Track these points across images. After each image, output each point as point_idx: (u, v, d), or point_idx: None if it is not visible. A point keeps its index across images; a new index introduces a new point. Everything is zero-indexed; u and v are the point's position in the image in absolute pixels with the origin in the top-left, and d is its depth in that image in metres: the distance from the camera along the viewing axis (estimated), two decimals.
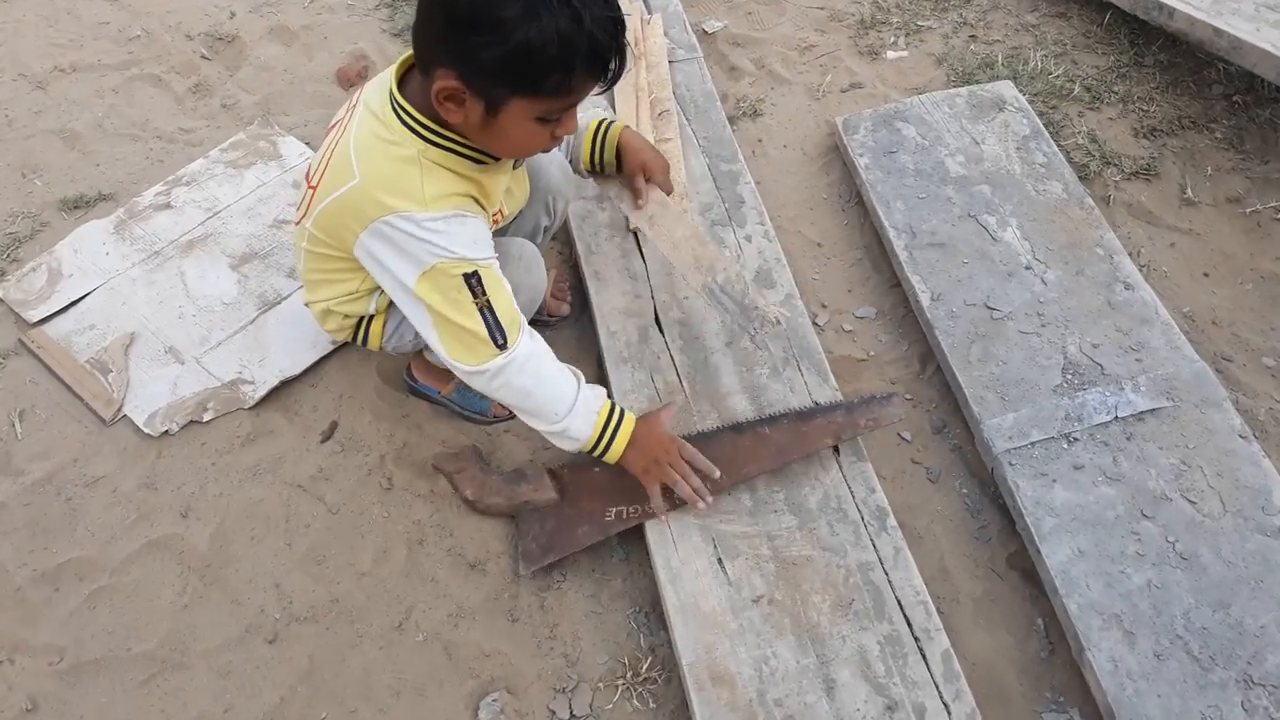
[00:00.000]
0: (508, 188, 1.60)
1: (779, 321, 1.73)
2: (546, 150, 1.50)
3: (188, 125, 2.46)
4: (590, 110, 1.81)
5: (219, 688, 1.60)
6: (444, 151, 1.42)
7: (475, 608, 1.67)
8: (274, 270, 2.13)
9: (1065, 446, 1.69)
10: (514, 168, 1.62)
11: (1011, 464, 1.68)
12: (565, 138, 1.74)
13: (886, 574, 1.58)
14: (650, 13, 2.57)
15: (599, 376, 1.94)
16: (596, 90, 1.38)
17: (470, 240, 1.43)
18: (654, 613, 1.64)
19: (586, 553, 1.71)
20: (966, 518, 1.73)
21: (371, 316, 1.70)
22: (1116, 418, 1.71)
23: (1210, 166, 2.20)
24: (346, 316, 1.70)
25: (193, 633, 1.66)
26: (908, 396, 1.89)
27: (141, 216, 2.26)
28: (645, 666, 1.58)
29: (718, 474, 1.62)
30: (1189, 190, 2.15)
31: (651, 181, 1.80)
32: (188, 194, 2.30)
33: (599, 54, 1.29)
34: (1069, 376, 1.78)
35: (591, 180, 1.89)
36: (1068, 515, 1.61)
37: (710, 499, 1.62)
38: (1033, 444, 1.70)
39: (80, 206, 2.29)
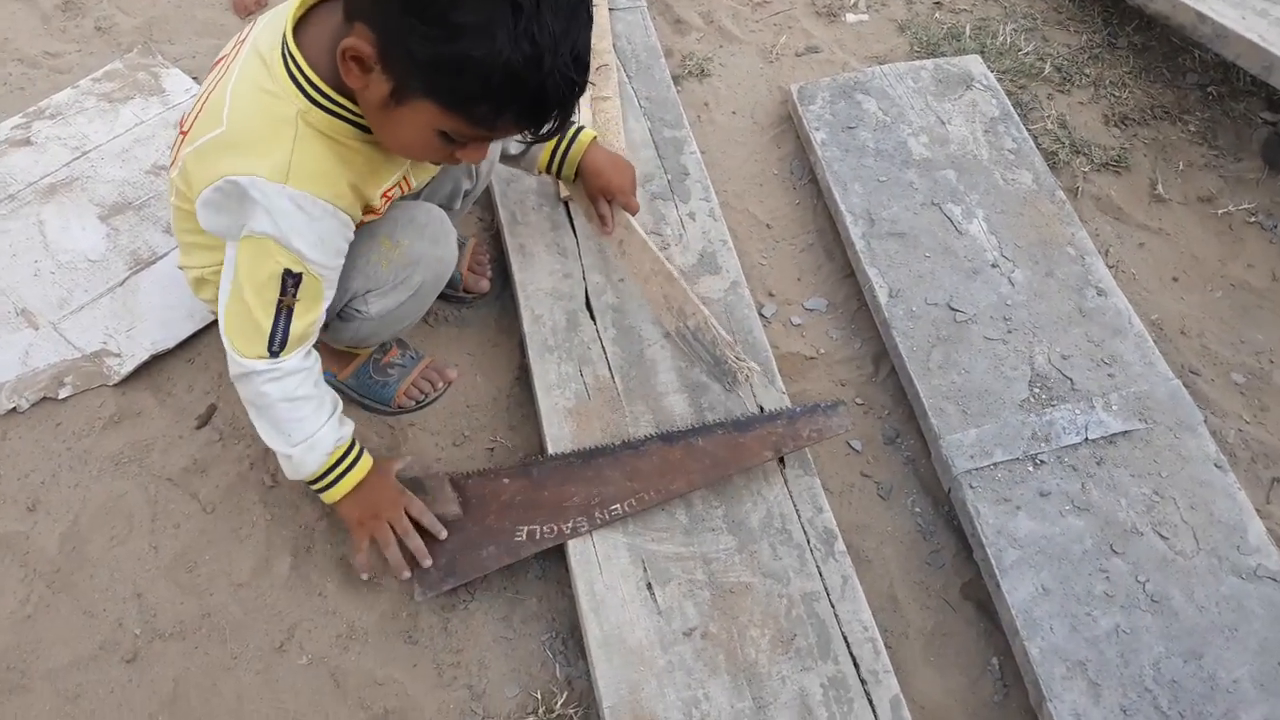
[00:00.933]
0: (413, 164, 1.37)
1: (755, 378, 1.59)
2: (430, 161, 1.27)
3: (54, 49, 2.14)
4: None
5: (65, 714, 1.37)
6: (331, 118, 1.19)
7: (368, 628, 1.46)
8: (149, 224, 1.86)
9: (1031, 469, 1.55)
10: None
11: (972, 486, 1.53)
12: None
13: (833, 606, 1.42)
14: None
15: (520, 365, 1.73)
16: (519, 139, 1.23)
17: (316, 239, 1.23)
18: (572, 639, 1.46)
19: (498, 569, 1.52)
20: (919, 540, 1.58)
21: None
22: (1087, 439, 1.57)
23: (1182, 161, 2.07)
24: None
25: (35, 649, 1.42)
26: (859, 401, 1.72)
27: None
28: (560, 702, 1.40)
29: (444, 534, 1.47)
30: (1159, 186, 2.02)
31: (614, 203, 1.66)
32: (51, 129, 2.00)
33: (541, 108, 1.11)
34: (1036, 390, 1.63)
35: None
36: (1032, 547, 1.47)
37: (427, 562, 1.46)
38: (995, 465, 1.55)
39: None
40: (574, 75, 1.08)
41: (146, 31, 2.19)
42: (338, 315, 1.44)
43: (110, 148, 1.97)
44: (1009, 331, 1.70)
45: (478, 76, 1.04)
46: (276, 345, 1.27)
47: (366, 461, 1.42)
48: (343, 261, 1.31)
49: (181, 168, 1.31)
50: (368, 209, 1.32)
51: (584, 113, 1.95)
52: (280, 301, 1.24)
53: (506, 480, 1.52)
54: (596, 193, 1.67)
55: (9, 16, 2.19)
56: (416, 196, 1.54)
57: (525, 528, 1.48)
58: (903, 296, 1.74)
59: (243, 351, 1.28)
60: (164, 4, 2.25)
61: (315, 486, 1.40)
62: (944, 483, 1.59)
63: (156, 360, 1.70)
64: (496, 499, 1.51)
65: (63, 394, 1.64)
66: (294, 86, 1.17)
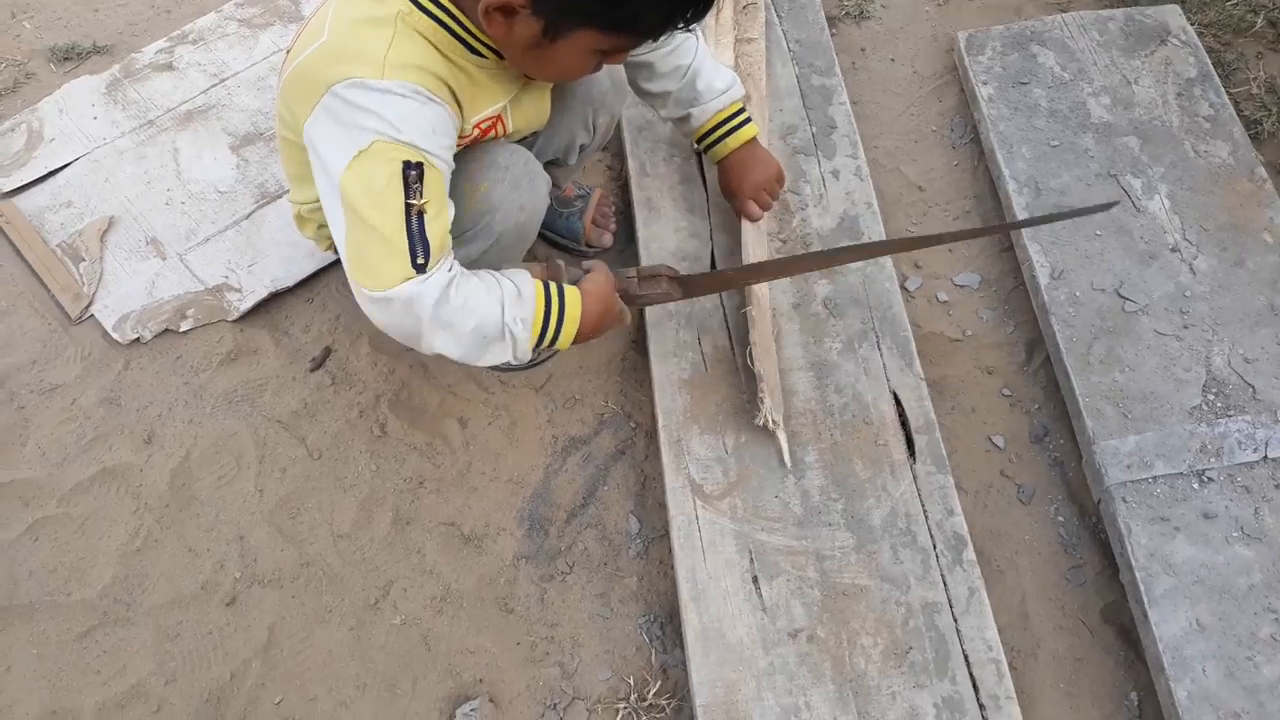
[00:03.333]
0: (515, 96, 1.29)
1: (769, 425, 1.42)
2: (584, 76, 1.24)
3: None
4: (726, 87, 1.55)
5: (164, 652, 1.39)
6: (434, 24, 1.14)
7: (465, 592, 1.43)
8: (278, 157, 1.82)
9: (1196, 487, 1.37)
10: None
11: (1125, 500, 1.37)
12: None
13: (955, 620, 1.30)
14: None
15: (639, 327, 1.64)
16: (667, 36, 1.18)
17: (428, 126, 1.14)
18: (670, 625, 1.39)
19: (600, 542, 1.46)
20: (1059, 553, 1.43)
21: None
22: (1266, 458, 1.38)
23: None
24: (322, 225, 1.42)
25: (142, 583, 1.45)
26: (1006, 392, 1.57)
27: (138, 76, 1.96)
28: (653, 691, 1.34)
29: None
30: None
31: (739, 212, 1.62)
32: (192, 54, 1.99)
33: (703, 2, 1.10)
34: (1210, 396, 1.44)
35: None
36: (1189, 576, 1.31)
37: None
38: (1155, 478, 1.38)
39: (71, 58, 2.00)
40: None
41: None
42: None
43: (247, 75, 1.95)
44: (1185, 327, 1.50)
45: None
46: (421, 257, 1.14)
47: (572, 294, 1.29)
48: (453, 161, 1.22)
49: (282, 92, 1.27)
50: (459, 135, 1.24)
51: (726, 54, 1.81)
52: (408, 206, 1.13)
53: (731, 273, 1.54)
54: (725, 189, 1.61)
55: None
56: (531, 147, 1.46)
57: (750, 281, 1.51)
58: (1066, 278, 1.56)
59: (385, 282, 1.14)
60: None
61: (543, 348, 1.29)
62: (1094, 493, 1.43)
63: (275, 298, 1.68)
64: (724, 283, 1.54)
65: (184, 327, 1.65)
66: None
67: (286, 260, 1.70)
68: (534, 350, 1.26)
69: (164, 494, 1.51)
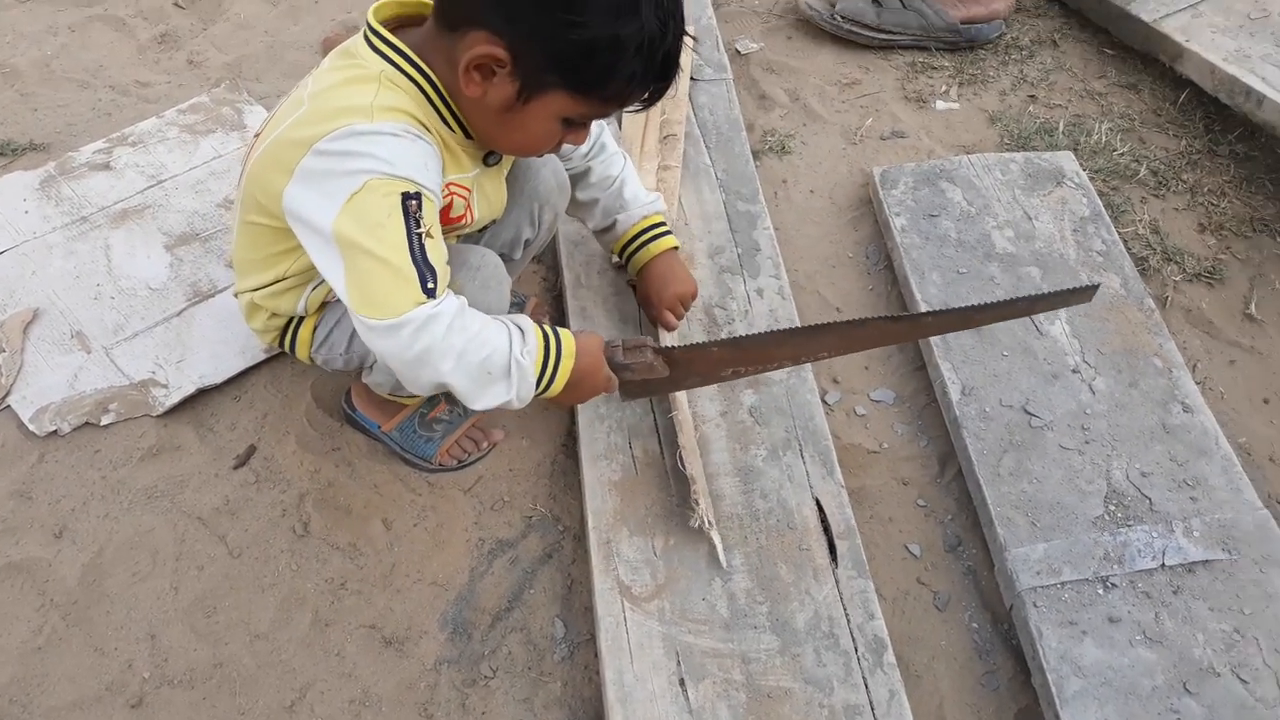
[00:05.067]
0: (478, 181, 1.34)
1: (703, 527, 1.45)
2: (545, 152, 1.31)
3: (146, 78, 2.18)
4: (652, 199, 1.66)
5: None
6: (414, 86, 1.20)
7: (384, 696, 1.39)
8: (214, 257, 1.85)
9: (1101, 592, 1.43)
10: (491, 163, 1.37)
11: (1036, 605, 1.42)
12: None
13: None
14: None
15: (569, 432, 1.67)
16: (635, 108, 1.24)
17: (420, 162, 1.18)
18: None
19: (525, 646, 1.44)
20: (974, 659, 1.47)
21: (300, 320, 1.43)
22: (1163, 565, 1.46)
23: (1279, 279, 1.96)
24: (273, 315, 1.43)
25: (41, 683, 1.38)
26: (921, 503, 1.63)
27: (74, 174, 1.97)
28: None
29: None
30: (1253, 305, 1.91)
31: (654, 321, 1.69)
32: (131, 156, 2.02)
33: (667, 69, 1.19)
34: (1112, 508, 1.52)
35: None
36: (1097, 678, 1.35)
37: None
38: (1063, 584, 1.44)
39: (6, 154, 2.01)
40: (686, 30, 1.20)
41: (236, 68, 2.22)
42: None
43: (186, 178, 1.98)
44: (1086, 442, 1.59)
45: (623, 54, 1.12)
46: (430, 282, 1.14)
47: (568, 337, 1.31)
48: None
49: (250, 175, 1.29)
50: None
51: (649, 179, 1.91)
52: (410, 233, 1.13)
53: (715, 349, 1.49)
54: (641, 302, 1.68)
55: (107, 45, 2.24)
56: (478, 242, 1.51)
57: (730, 369, 1.50)
58: (976, 395, 1.65)
59: (398, 309, 1.13)
60: (256, 43, 2.29)
61: (537, 393, 1.29)
62: (1006, 599, 1.48)
63: (203, 395, 1.67)
64: (705, 360, 1.49)
65: (105, 420, 1.62)
66: (376, 55, 1.19)
67: (216, 357, 1.70)
68: (535, 391, 1.28)
69: (73, 590, 1.45)
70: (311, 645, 1.43)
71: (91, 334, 1.72)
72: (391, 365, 1.20)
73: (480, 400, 1.24)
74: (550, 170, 1.53)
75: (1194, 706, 1.33)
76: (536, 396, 1.31)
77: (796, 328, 1.58)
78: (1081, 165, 2.03)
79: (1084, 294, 1.40)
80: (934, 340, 1.73)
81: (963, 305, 1.69)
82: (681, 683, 1.34)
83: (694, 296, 1.66)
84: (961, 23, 2.33)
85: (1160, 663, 1.37)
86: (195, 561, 1.50)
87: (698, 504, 1.44)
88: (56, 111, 2.09)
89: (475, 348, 1.19)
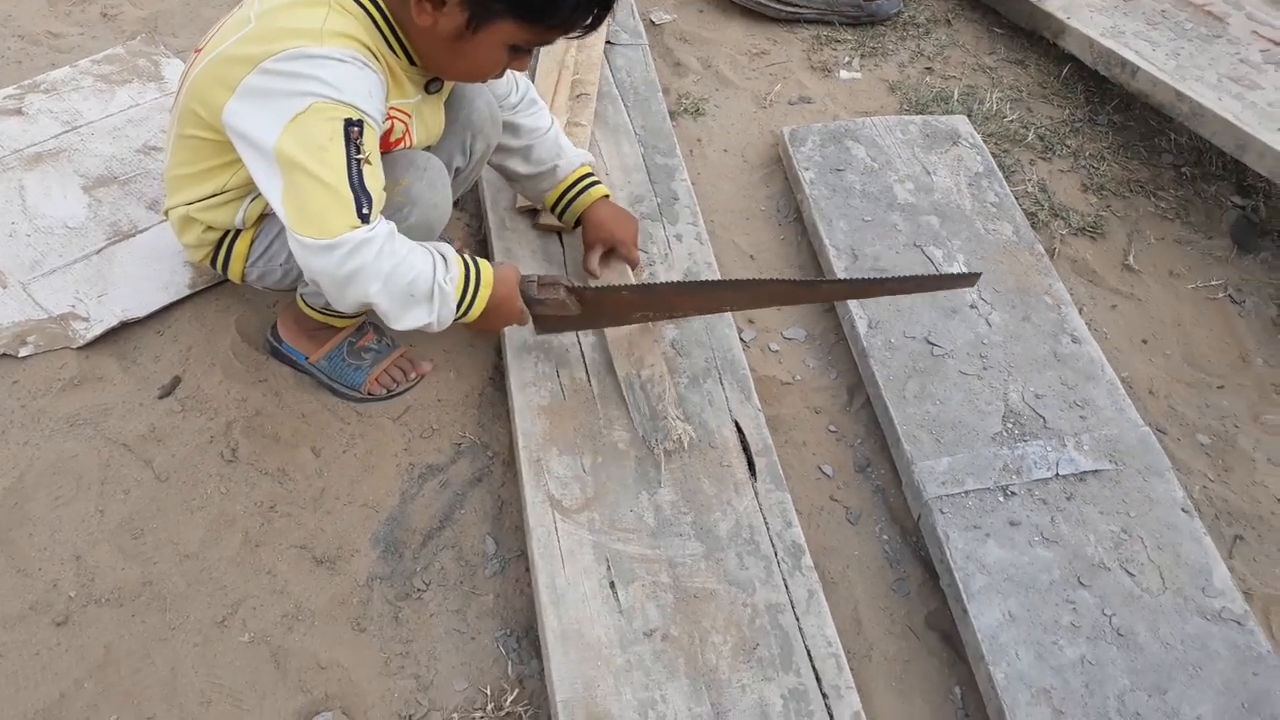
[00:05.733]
0: (418, 108, 1.39)
1: (684, 444, 1.55)
2: (490, 78, 1.36)
3: (58, 30, 2.15)
4: (581, 152, 1.74)
5: None
6: (364, 13, 1.25)
7: (316, 610, 1.41)
8: (134, 200, 1.84)
9: (1001, 499, 1.54)
10: (433, 90, 1.41)
11: (943, 512, 1.52)
12: (505, 80, 1.61)
13: (797, 619, 1.39)
14: None
15: (495, 366, 1.71)
16: (574, 35, 1.27)
17: (365, 90, 1.22)
18: (527, 639, 1.41)
19: (457, 563, 1.47)
20: (885, 567, 1.56)
21: (237, 233, 1.44)
22: (1057, 475, 1.57)
23: (1153, 235, 2.12)
24: (208, 229, 1.44)
25: None
26: (832, 429, 1.72)
27: None
28: (510, 699, 1.35)
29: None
30: (1131, 257, 2.07)
31: (614, 254, 1.74)
32: (44, 102, 1.99)
33: None
34: (1009, 425, 1.63)
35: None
36: (1000, 575, 1.45)
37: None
38: (966, 493, 1.54)
39: None
40: None
41: (152, 23, 2.21)
42: None
43: (102, 125, 1.96)
44: (984, 369, 1.71)
45: None
46: (365, 207, 1.19)
47: (487, 267, 1.38)
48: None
49: (191, 89, 1.31)
50: None
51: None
52: (351, 159, 1.17)
53: (626, 293, 1.55)
54: (595, 242, 1.72)
55: None
56: None
57: (639, 314, 1.57)
58: (881, 328, 1.76)
59: (331, 230, 1.17)
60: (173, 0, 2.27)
61: (456, 318, 1.35)
62: (914, 509, 1.58)
63: (126, 329, 1.66)
64: (615, 304, 1.55)
65: (23, 352, 1.60)
66: None
67: (139, 293, 1.69)
68: (454, 315, 1.33)
69: None
70: (242, 564, 1.44)
71: (7, 269, 1.69)
72: (321, 283, 1.24)
73: (402, 321, 1.29)
74: (484, 101, 1.58)
75: (1087, 597, 1.44)
76: (454, 321, 1.37)
77: (703, 281, 1.67)
78: (975, 128, 2.17)
79: (968, 280, 1.53)
80: (841, 279, 1.82)
81: (863, 270, 1.82)
82: (612, 585, 1.39)
83: (638, 229, 1.74)
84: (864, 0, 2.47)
85: (1056, 560, 1.48)
86: (121, 486, 1.49)
87: (680, 420, 1.54)
88: None
89: (402, 271, 1.24)
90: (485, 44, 1.25)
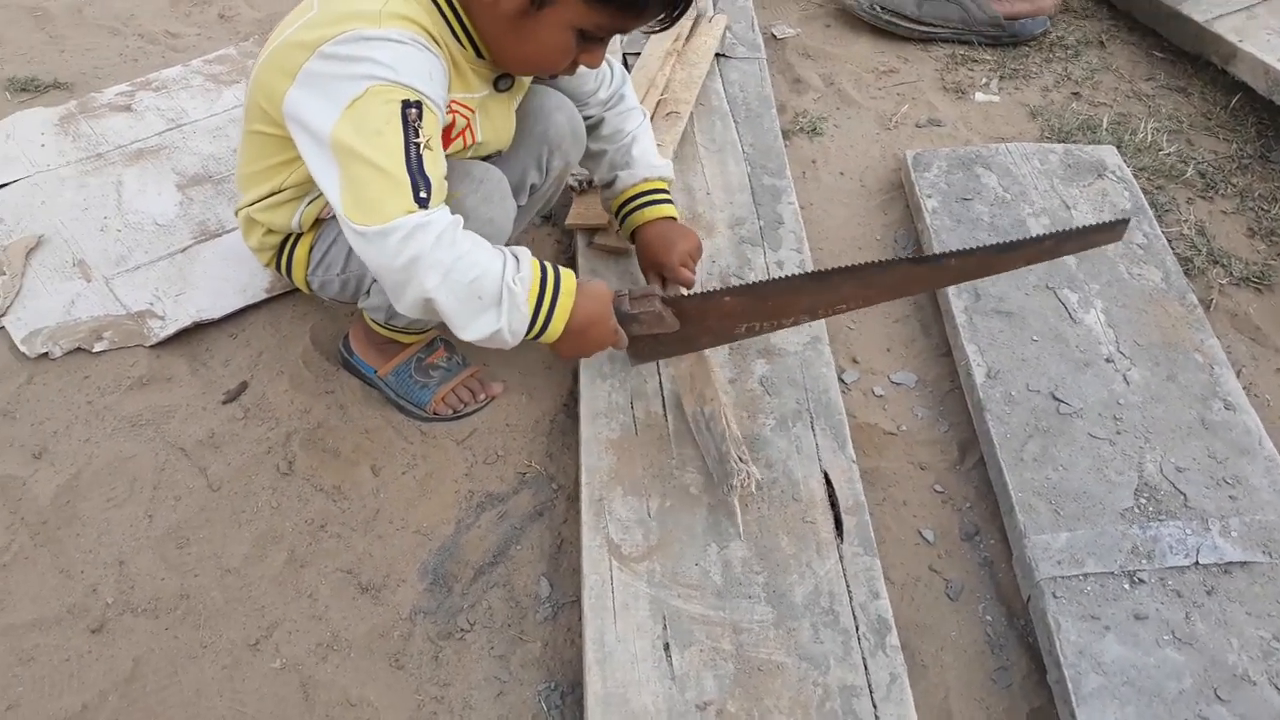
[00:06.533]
0: (483, 104, 1.30)
1: (753, 486, 1.39)
2: (558, 74, 1.27)
3: (176, 30, 2.17)
4: (660, 164, 1.61)
5: (12, 675, 1.26)
6: (431, 5, 1.17)
7: (354, 641, 1.32)
8: (225, 199, 1.82)
9: (1127, 587, 1.33)
10: (502, 87, 1.32)
11: (1056, 595, 1.32)
12: (591, 75, 1.51)
13: (875, 706, 1.22)
14: (715, 10, 2.26)
15: (571, 392, 1.60)
16: (650, 27, 1.18)
17: (425, 72, 1.14)
18: (572, 696, 1.29)
19: (506, 602, 1.36)
20: (985, 652, 1.37)
21: (296, 238, 1.38)
22: (1197, 564, 1.35)
23: None
24: (269, 232, 1.39)
25: (3, 600, 1.33)
26: (938, 489, 1.53)
27: (94, 113, 1.95)
28: None
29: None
30: None
31: (666, 280, 1.57)
32: (153, 100, 2.00)
33: None
34: (1143, 500, 1.42)
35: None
36: (1118, 676, 1.25)
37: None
38: (1086, 576, 1.34)
39: (29, 90, 2.00)
40: None
41: (267, 25, 2.21)
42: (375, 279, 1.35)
43: (205, 124, 1.96)
44: (1118, 432, 1.50)
45: None
46: (423, 191, 1.11)
47: (568, 274, 1.25)
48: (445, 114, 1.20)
49: (256, 80, 1.26)
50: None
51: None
52: (409, 142, 1.10)
53: (729, 298, 1.40)
54: (646, 266, 1.59)
55: None
56: None
57: (745, 324, 1.42)
58: (1001, 379, 1.56)
59: (387, 215, 1.09)
60: (290, 2, 2.27)
61: (531, 333, 1.24)
62: (1023, 589, 1.38)
63: (200, 330, 1.63)
64: (717, 311, 1.40)
65: (98, 347, 1.58)
66: None
67: (216, 294, 1.65)
68: (529, 328, 1.22)
69: (44, 510, 1.40)
70: (284, 584, 1.36)
71: (93, 263, 1.68)
72: (379, 278, 1.16)
73: (469, 328, 1.18)
74: (565, 116, 1.48)
75: (1225, 715, 1.22)
76: (535, 338, 1.25)
77: (812, 272, 1.48)
78: (1125, 161, 1.95)
79: (1113, 230, 1.31)
80: (960, 321, 1.64)
81: (985, 313, 1.62)
82: (666, 647, 1.26)
83: (700, 250, 1.59)
84: (1005, 18, 2.27)
85: (1190, 665, 1.27)
86: (173, 491, 1.44)
87: (743, 462, 1.37)
88: (84, 55, 2.08)
89: (464, 266, 1.14)
90: (550, 24, 1.15)
